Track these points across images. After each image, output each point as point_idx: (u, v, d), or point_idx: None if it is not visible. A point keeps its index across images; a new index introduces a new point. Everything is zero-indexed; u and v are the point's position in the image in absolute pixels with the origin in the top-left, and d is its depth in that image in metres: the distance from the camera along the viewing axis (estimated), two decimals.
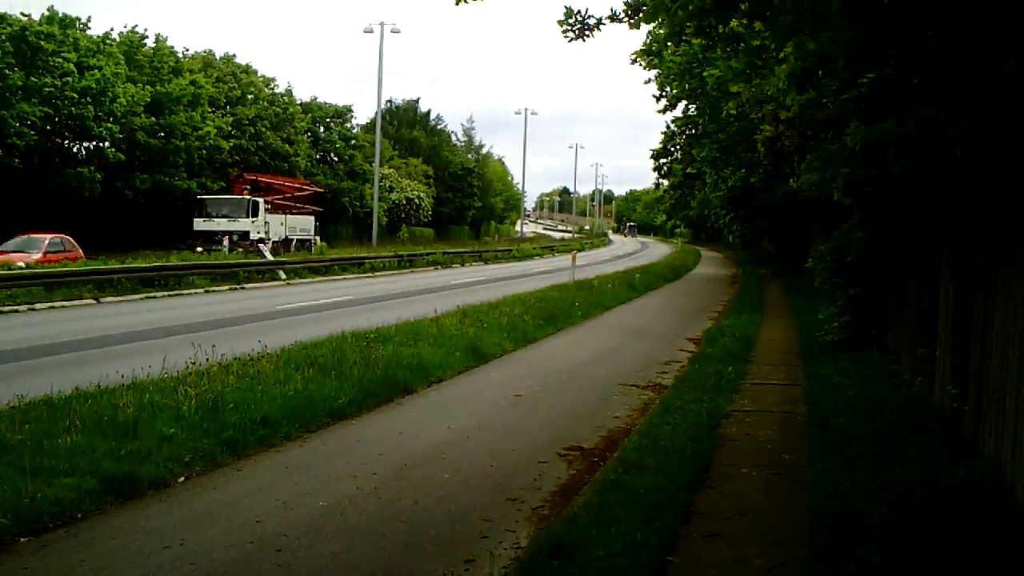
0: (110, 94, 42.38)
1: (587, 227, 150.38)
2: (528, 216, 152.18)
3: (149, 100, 45.63)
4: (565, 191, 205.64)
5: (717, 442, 9.90)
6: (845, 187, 13.59)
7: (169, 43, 51.82)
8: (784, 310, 26.29)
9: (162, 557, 6.55)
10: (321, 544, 6.91)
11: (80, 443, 8.41)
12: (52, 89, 39.54)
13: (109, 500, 7.62)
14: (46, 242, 31.26)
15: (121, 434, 8.85)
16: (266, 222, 46.28)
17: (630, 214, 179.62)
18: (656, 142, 38.50)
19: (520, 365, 15.80)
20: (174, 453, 8.67)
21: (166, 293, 27.34)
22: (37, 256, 29.75)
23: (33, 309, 22.10)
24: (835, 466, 8.35)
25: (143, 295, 26.33)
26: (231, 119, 54.90)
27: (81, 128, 42.49)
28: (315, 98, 70.51)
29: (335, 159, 70.92)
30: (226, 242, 42.34)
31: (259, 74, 61.91)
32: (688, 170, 36.68)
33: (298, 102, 65.93)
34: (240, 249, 41.94)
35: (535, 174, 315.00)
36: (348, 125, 73.07)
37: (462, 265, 50.24)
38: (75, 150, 45.16)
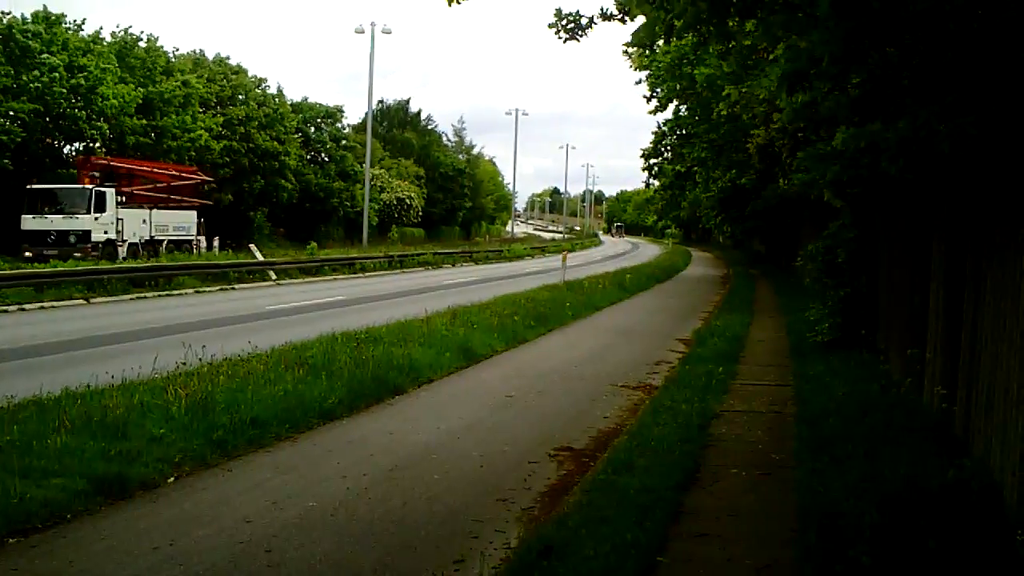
0: (100, 93, 42.21)
1: (578, 228, 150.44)
2: (519, 216, 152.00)
3: (140, 101, 45.46)
4: (556, 191, 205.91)
5: (707, 442, 9.90)
6: (835, 187, 13.63)
7: (160, 43, 51.69)
8: (774, 310, 26.33)
9: (152, 558, 6.53)
10: (311, 544, 6.90)
11: (69, 444, 8.38)
12: (39, 85, 39.35)
13: (98, 501, 7.60)
14: None
15: (111, 435, 8.82)
16: (118, 219, 37.27)
17: (621, 215, 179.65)
18: (647, 143, 38.51)
19: (510, 366, 15.81)
20: (164, 454, 8.65)
21: (156, 293, 27.30)
22: None
23: (23, 309, 22.04)
24: (825, 466, 8.37)
25: (133, 295, 26.29)
26: (221, 119, 54.75)
27: (72, 129, 42.31)
28: (306, 99, 70.58)
29: (326, 159, 70.84)
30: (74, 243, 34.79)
31: (250, 74, 61.85)
32: (678, 168, 36.74)
33: (289, 103, 65.84)
34: (79, 255, 33.71)
35: (526, 175, 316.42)
36: (339, 126, 72.98)
37: (453, 266, 50.21)
38: (66, 151, 44.94)
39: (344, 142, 72.13)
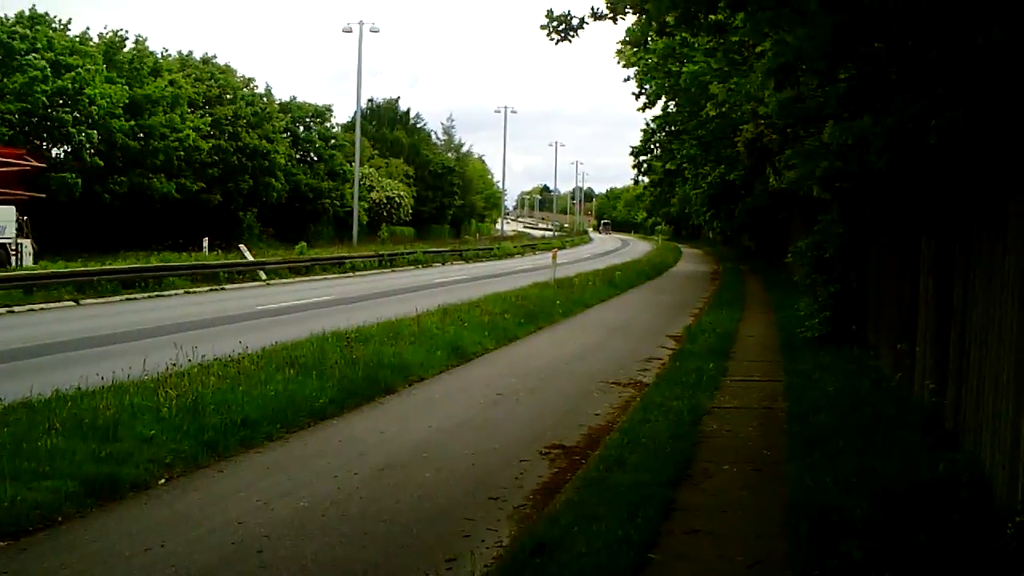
0: (87, 94, 42.04)
1: (567, 225, 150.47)
2: (509, 214, 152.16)
3: (128, 102, 45.29)
4: (546, 189, 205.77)
5: (698, 439, 9.92)
6: (823, 182, 13.66)
7: (148, 44, 51.56)
8: (764, 306, 26.38)
9: (143, 559, 6.52)
10: (303, 544, 6.89)
11: (60, 446, 8.35)
12: (22, 86, 39.22)
13: (89, 503, 7.57)
14: None
15: (101, 436, 8.79)
16: None
17: (610, 212, 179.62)
18: (636, 139, 38.48)
19: (501, 364, 15.80)
20: (155, 455, 8.62)
21: (146, 295, 27.18)
22: None
23: (12, 312, 21.91)
24: (816, 461, 8.38)
25: (123, 297, 26.17)
26: (209, 119, 54.57)
27: (60, 131, 42.15)
28: (294, 98, 70.52)
29: (315, 159, 70.73)
30: None
31: (238, 74, 61.73)
32: (668, 166, 36.72)
33: (277, 102, 65.72)
34: None
35: (516, 172, 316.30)
36: (328, 125, 72.93)
37: (443, 264, 50.16)
38: (54, 154, 44.77)
39: (333, 141, 72.07)
